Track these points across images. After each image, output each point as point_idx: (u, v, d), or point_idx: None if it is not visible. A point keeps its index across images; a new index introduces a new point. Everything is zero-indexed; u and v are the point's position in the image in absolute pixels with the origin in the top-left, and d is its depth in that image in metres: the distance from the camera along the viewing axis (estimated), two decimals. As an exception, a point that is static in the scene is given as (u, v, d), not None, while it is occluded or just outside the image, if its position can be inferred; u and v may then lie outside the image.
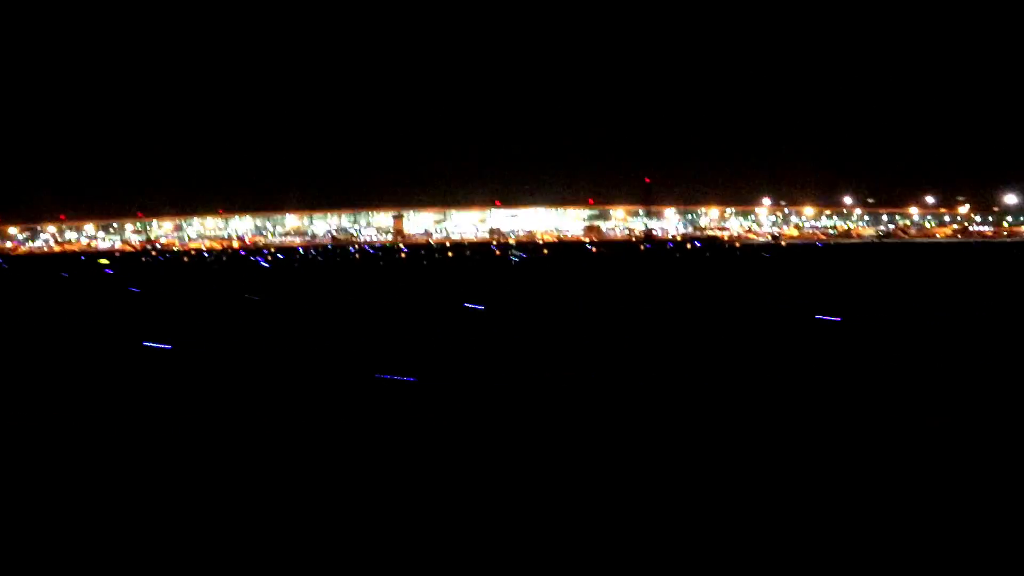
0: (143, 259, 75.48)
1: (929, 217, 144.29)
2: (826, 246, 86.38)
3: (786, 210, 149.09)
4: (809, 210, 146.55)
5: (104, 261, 70.85)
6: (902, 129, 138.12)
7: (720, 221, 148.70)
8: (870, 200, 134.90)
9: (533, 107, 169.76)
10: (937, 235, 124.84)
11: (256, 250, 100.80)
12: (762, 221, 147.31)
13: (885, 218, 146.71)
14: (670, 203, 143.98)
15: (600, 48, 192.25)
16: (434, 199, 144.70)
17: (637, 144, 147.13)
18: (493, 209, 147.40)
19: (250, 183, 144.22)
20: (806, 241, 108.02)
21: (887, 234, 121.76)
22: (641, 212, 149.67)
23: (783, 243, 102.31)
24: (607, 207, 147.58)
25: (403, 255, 76.16)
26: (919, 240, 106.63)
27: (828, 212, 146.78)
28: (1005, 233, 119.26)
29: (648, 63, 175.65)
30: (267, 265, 55.44)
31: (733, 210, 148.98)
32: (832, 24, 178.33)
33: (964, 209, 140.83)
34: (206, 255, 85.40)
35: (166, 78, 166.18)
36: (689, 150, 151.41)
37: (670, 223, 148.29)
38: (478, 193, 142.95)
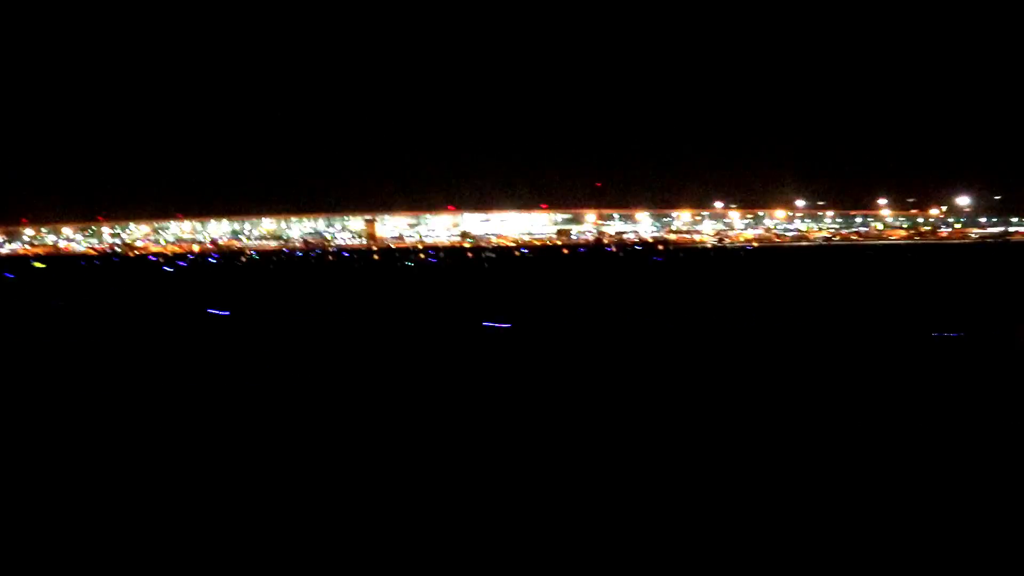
0: (82, 263, 77.00)
1: (901, 219, 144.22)
2: (753, 250, 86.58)
3: (759, 212, 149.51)
4: (780, 213, 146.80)
5: (39, 265, 72.34)
6: (864, 133, 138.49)
7: (692, 224, 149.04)
8: (819, 203, 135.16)
9: (500, 113, 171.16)
10: (891, 237, 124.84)
11: (202, 255, 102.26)
12: (735, 224, 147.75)
13: (859, 220, 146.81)
14: (621, 207, 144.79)
15: (568, 53, 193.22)
16: (406, 204, 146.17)
17: (604, 149, 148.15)
18: (465, 213, 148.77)
19: (225, 188, 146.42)
20: (748, 244, 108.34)
21: (833, 236, 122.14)
22: (617, 216, 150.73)
23: (668, 247, 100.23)
24: (579, 211, 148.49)
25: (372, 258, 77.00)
26: (863, 243, 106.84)
27: (800, 215, 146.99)
28: (956, 236, 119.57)
29: (612, 69, 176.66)
30: (170, 270, 56.74)
31: (707, 213, 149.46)
32: (801, 26, 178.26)
33: (936, 211, 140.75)
34: (152, 259, 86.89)
35: (139, 81, 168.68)
36: (659, 155, 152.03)
37: (643, 226, 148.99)
38: (449, 198, 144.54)
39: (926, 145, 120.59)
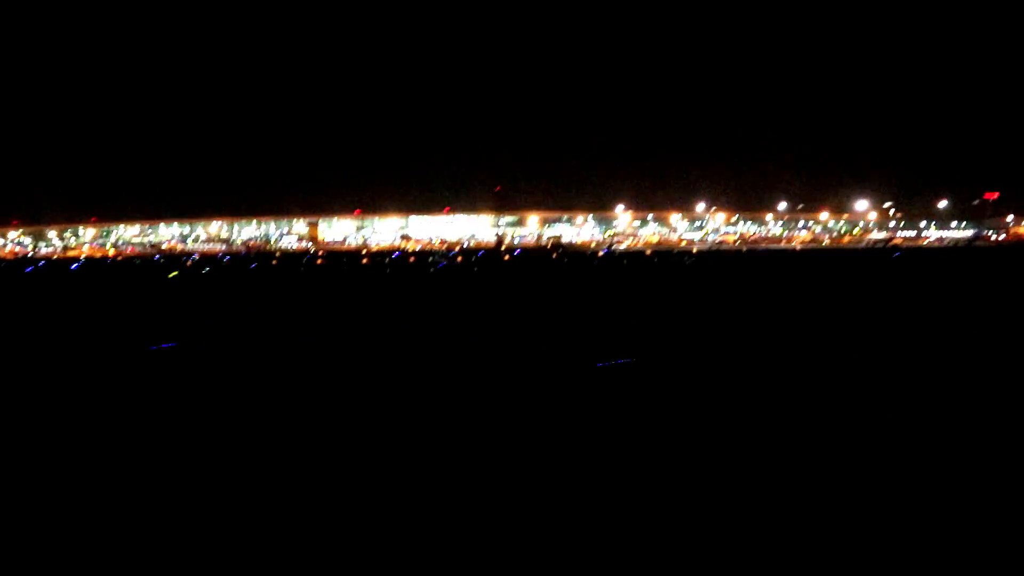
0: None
1: (842, 224, 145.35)
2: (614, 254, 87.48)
3: (706, 216, 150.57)
4: (722, 216, 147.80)
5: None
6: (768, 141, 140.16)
7: (637, 227, 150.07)
8: (714, 208, 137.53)
9: (439, 119, 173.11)
10: (793, 242, 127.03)
11: (111, 258, 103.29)
12: (676, 227, 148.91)
13: (802, 223, 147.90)
14: (529, 209, 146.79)
15: (508, 57, 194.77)
16: (348, 207, 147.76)
17: (540, 153, 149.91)
18: (411, 216, 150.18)
19: (171, 192, 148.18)
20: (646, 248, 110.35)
21: (720, 242, 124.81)
22: (565, 219, 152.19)
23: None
24: (521, 213, 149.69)
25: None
26: (752, 247, 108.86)
27: (740, 217, 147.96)
28: (854, 242, 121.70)
29: (550, 72, 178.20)
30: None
31: (650, 216, 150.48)
32: (715, 34, 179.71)
33: (874, 215, 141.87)
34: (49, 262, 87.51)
35: (86, 87, 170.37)
36: (600, 157, 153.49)
37: (585, 229, 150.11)
38: (390, 201, 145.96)
39: (826, 153, 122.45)
